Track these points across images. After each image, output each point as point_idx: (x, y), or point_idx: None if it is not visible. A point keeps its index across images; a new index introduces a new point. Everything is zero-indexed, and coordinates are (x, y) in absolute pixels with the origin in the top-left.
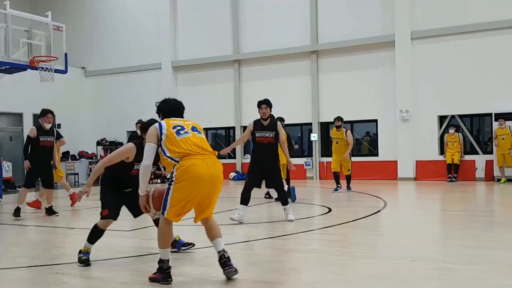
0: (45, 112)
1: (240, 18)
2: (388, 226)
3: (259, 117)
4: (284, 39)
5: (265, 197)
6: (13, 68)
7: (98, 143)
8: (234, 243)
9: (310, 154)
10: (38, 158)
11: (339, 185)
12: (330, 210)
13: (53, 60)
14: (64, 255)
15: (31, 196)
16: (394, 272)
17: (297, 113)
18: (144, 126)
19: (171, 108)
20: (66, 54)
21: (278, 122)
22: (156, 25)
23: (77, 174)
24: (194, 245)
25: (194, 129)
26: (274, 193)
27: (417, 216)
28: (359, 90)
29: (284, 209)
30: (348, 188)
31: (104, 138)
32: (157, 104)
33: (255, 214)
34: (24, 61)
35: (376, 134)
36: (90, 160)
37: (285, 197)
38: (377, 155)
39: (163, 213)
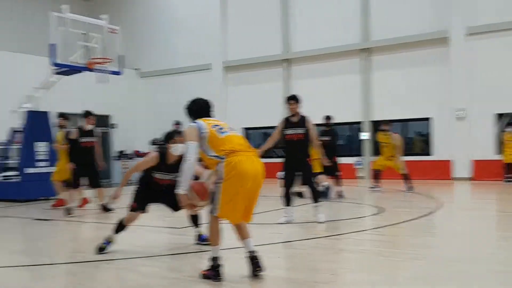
0: (88, 114)
1: (290, 17)
2: (442, 227)
3: (288, 115)
4: (335, 37)
5: None
6: (71, 70)
7: (152, 143)
8: (283, 242)
9: (360, 154)
10: (80, 159)
11: (378, 184)
12: (381, 210)
13: (109, 62)
14: (120, 251)
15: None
16: (447, 274)
17: (348, 112)
18: (169, 134)
19: (201, 108)
20: (121, 56)
21: (308, 118)
22: (207, 25)
23: None
24: None
25: (231, 129)
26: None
27: (472, 217)
28: (411, 88)
29: (314, 207)
30: (409, 188)
31: (158, 138)
32: (186, 105)
33: (305, 213)
34: (81, 63)
35: (430, 133)
36: None
37: (316, 195)
38: (430, 154)
39: (214, 213)
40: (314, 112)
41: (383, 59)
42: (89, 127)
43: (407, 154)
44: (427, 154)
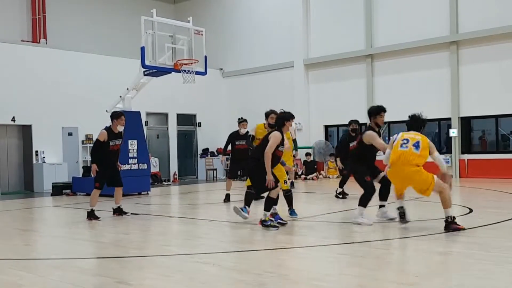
0: (119, 114)
1: (373, 11)
2: None
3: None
4: (420, 30)
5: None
6: (159, 71)
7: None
8: (369, 241)
9: (449, 151)
10: (107, 162)
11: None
12: (471, 210)
13: (194, 63)
14: (204, 245)
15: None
16: None
17: (435, 108)
18: (286, 116)
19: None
20: (205, 57)
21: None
22: (289, 24)
23: (215, 169)
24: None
25: (413, 143)
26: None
27: None
28: (505, 81)
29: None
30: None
31: None
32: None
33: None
34: (169, 65)
35: None
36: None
37: (384, 194)
38: None
39: None
40: (399, 109)
41: (473, 52)
42: (120, 128)
43: (502, 151)
44: None
